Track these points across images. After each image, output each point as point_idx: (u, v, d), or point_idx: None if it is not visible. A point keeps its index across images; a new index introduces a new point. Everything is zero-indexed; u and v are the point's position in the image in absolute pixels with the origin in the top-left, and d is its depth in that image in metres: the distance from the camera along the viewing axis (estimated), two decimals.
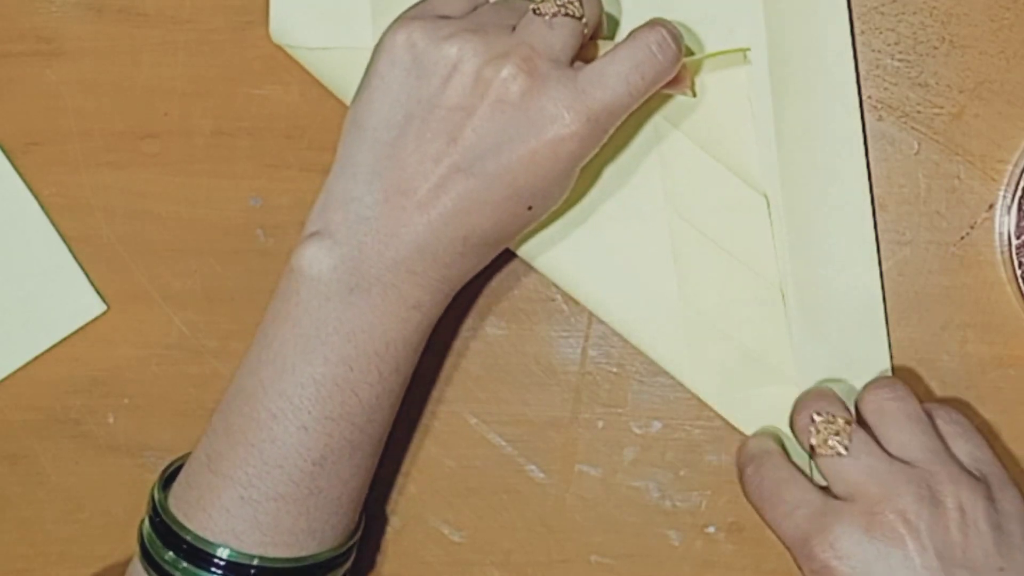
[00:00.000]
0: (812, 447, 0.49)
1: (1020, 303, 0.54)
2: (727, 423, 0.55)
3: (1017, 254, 0.53)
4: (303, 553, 0.49)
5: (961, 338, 0.54)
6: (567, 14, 0.48)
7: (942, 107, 0.54)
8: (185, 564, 0.48)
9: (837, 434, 0.48)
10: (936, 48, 0.54)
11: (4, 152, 0.57)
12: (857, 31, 0.54)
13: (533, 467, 0.56)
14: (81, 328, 0.57)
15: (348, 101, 0.51)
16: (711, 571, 0.56)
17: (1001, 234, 0.54)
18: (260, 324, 0.50)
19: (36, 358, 0.57)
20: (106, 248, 0.57)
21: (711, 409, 0.55)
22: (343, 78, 0.55)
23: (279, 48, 0.56)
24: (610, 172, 0.54)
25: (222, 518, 0.48)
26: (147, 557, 0.49)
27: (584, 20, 0.49)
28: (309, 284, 0.48)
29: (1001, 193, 0.54)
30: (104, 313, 0.57)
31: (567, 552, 0.56)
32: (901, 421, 0.49)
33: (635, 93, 0.48)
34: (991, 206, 0.54)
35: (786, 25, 0.53)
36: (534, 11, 0.48)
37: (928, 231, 0.54)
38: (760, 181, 0.53)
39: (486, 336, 0.56)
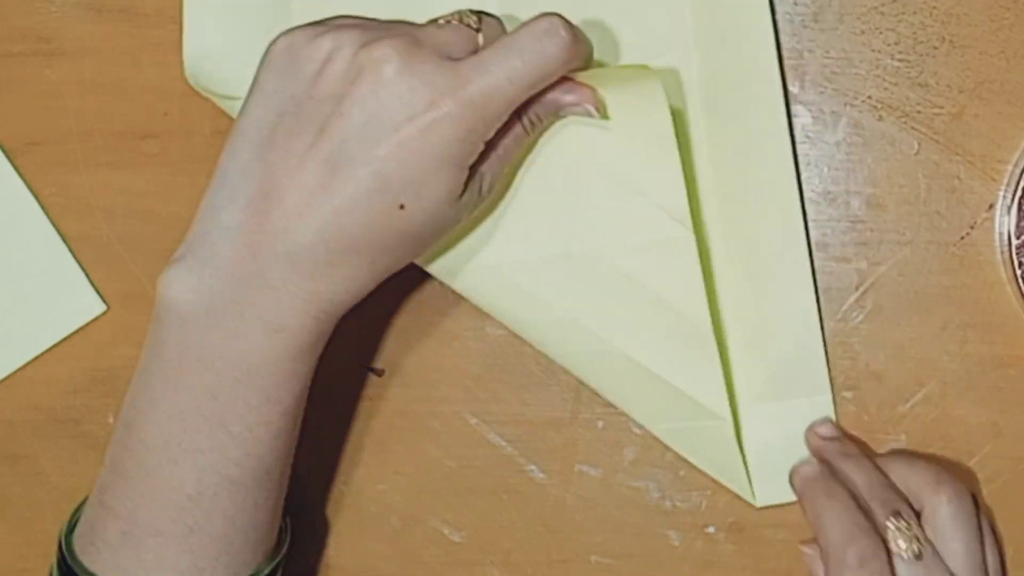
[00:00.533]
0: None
1: (1020, 303, 0.54)
2: None
3: (1017, 254, 0.53)
4: None
5: (961, 338, 0.54)
6: (461, 21, 0.46)
7: (942, 107, 0.54)
8: None
9: (914, 540, 0.49)
10: (936, 48, 0.54)
11: (4, 152, 0.57)
12: (857, 31, 0.54)
13: (533, 467, 0.56)
14: (81, 328, 0.57)
15: None
16: (711, 571, 0.56)
17: (1001, 234, 0.54)
18: None
19: (36, 358, 0.58)
20: (106, 248, 0.57)
21: None
22: None
23: None
24: (530, 208, 0.51)
25: (108, 553, 0.47)
26: None
27: (480, 34, 0.47)
28: (168, 308, 0.45)
29: (1001, 193, 0.54)
30: (104, 313, 0.57)
31: (567, 552, 0.56)
32: (968, 539, 0.50)
33: (515, 79, 0.45)
34: (991, 206, 0.54)
35: (716, 48, 0.53)
36: (429, 21, 0.47)
37: (928, 231, 0.54)
38: (687, 217, 0.50)
39: (486, 336, 0.56)
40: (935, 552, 0.49)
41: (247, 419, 0.46)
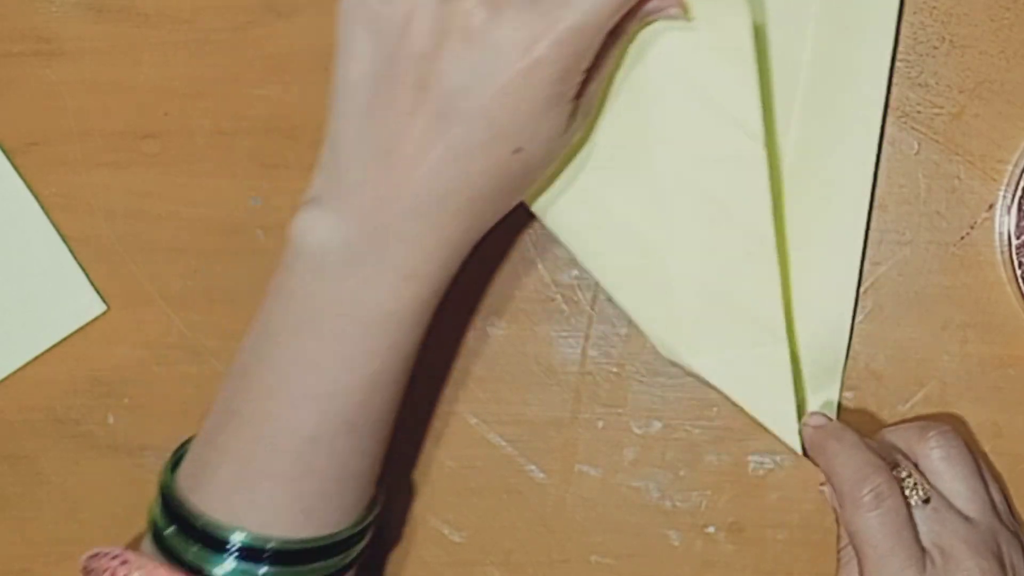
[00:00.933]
0: None
1: (1020, 303, 0.54)
2: (727, 423, 0.55)
3: (1017, 254, 0.53)
4: (304, 535, 0.47)
5: (961, 338, 0.54)
6: None
7: (942, 107, 0.54)
8: (188, 539, 0.47)
9: (918, 486, 0.49)
10: (936, 48, 0.54)
11: (4, 152, 0.57)
12: None
13: (533, 467, 0.56)
14: (81, 328, 0.57)
15: None
16: (711, 571, 0.56)
17: (1001, 234, 0.54)
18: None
19: (36, 358, 0.57)
20: (106, 248, 0.57)
21: (711, 409, 0.55)
22: None
23: (279, 48, 0.56)
24: (603, 119, 0.51)
25: (219, 494, 0.47)
26: (153, 529, 0.49)
27: None
28: (302, 256, 0.47)
29: (1001, 193, 0.54)
30: (104, 313, 0.57)
31: (567, 552, 0.56)
32: (967, 476, 0.50)
33: (603, 9, 0.45)
34: (991, 206, 0.54)
35: (834, 33, 0.53)
36: None
37: (928, 231, 0.54)
38: (760, 131, 0.50)
39: (486, 336, 0.56)
40: (940, 496, 0.49)
41: (372, 365, 0.47)
